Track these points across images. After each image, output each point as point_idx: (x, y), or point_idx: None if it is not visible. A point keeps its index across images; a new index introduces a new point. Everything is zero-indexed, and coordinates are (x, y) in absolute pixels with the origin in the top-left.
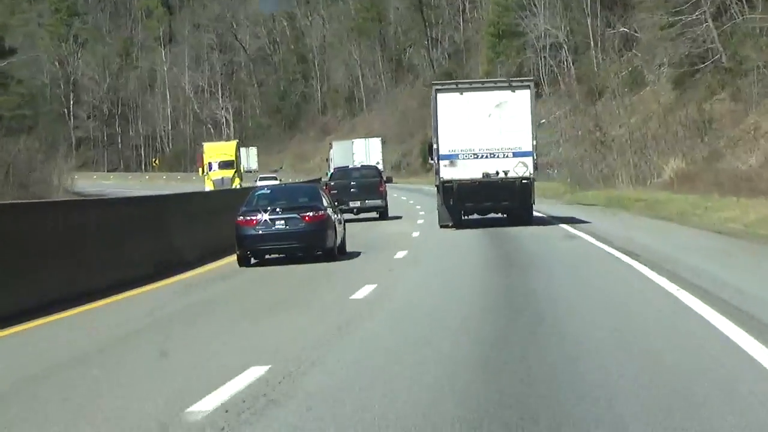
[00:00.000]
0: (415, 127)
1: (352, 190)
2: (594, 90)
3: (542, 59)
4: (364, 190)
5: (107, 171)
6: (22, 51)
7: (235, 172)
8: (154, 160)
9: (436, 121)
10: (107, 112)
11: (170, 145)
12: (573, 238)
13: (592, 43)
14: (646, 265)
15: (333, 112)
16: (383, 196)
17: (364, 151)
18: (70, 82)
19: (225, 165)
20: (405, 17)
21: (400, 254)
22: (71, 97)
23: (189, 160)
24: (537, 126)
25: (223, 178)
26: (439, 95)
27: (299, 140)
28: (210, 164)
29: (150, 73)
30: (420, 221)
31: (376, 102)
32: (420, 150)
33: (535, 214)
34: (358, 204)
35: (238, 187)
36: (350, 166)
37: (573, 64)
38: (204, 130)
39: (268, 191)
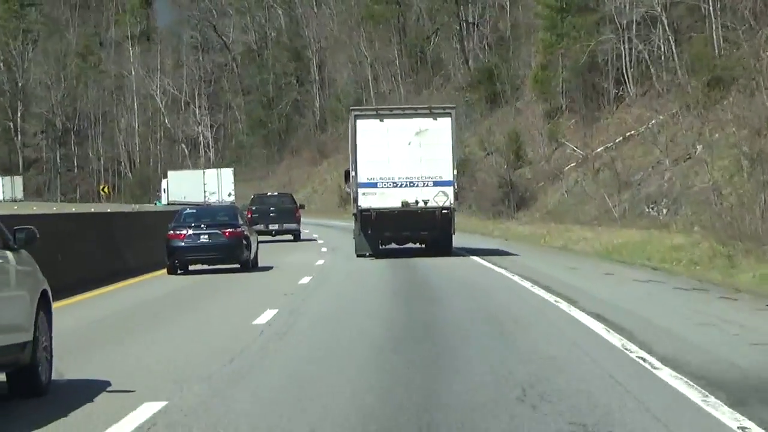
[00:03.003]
0: None
1: (271, 214)
2: (717, 81)
3: (626, 42)
4: (282, 215)
5: (60, 201)
6: None
7: None
8: (102, 187)
9: (355, 148)
10: (61, 128)
11: (134, 169)
12: None
13: (709, 9)
14: None
15: (334, 128)
16: (298, 220)
17: (216, 183)
18: (18, 90)
19: None
20: None
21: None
22: (19, 107)
23: (153, 188)
24: (457, 156)
25: None
26: (358, 121)
27: (288, 164)
28: None
29: (116, 80)
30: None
31: None
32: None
33: None
34: (276, 227)
35: None
36: (269, 194)
37: (675, 46)
38: (178, 152)
39: (194, 210)
